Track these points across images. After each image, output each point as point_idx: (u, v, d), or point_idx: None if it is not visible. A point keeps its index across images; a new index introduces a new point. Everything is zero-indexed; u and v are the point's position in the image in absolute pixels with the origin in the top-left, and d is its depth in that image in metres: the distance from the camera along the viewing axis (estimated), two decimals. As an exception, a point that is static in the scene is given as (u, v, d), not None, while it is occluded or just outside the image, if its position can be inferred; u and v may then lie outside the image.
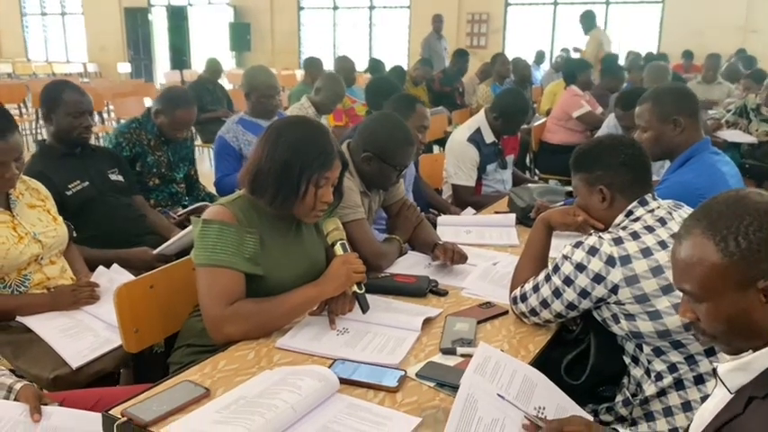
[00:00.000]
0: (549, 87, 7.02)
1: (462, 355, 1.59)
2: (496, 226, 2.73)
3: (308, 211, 1.78)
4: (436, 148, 6.23)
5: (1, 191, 2.02)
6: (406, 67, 7.95)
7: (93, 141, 2.83)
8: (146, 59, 16.31)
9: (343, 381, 1.43)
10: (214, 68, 7.16)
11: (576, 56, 9.55)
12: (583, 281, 1.60)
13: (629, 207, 1.69)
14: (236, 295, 1.66)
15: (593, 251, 1.59)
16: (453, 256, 2.21)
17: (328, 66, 7.43)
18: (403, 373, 1.49)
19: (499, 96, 3.69)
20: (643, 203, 1.68)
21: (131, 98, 7.77)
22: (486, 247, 2.49)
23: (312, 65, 6.41)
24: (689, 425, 1.22)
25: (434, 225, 2.66)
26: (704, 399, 1.25)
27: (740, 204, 1.04)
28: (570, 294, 1.63)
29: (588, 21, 8.88)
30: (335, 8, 14.53)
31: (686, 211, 1.71)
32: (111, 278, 2.17)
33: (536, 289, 1.73)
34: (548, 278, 1.70)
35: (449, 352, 1.61)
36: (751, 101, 5.09)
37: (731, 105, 5.59)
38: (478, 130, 3.46)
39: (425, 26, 9.93)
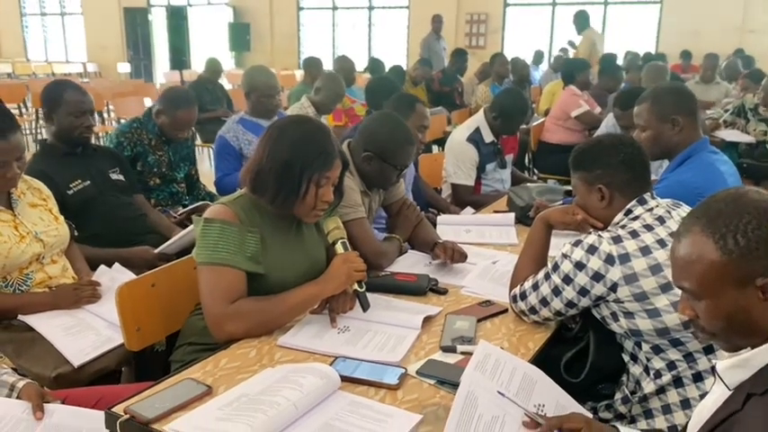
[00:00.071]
0: (547, 87, 7.03)
1: (462, 353, 1.60)
2: (496, 225, 2.74)
3: (309, 210, 1.78)
4: (435, 148, 6.24)
5: (3, 190, 2.03)
6: (405, 68, 7.95)
7: (93, 141, 2.84)
8: (145, 59, 16.30)
9: (344, 378, 1.44)
10: (214, 68, 7.16)
11: (571, 51, 9.58)
12: (582, 279, 1.61)
13: (629, 206, 1.70)
14: (237, 294, 1.67)
15: (592, 250, 1.60)
16: (453, 255, 2.22)
17: (328, 66, 7.44)
18: (403, 370, 1.50)
19: (498, 96, 3.70)
20: (642, 202, 1.69)
21: (131, 98, 7.78)
22: (486, 246, 2.50)
23: (312, 65, 6.42)
24: (687, 422, 1.23)
25: (434, 224, 2.67)
26: (703, 396, 1.25)
27: (739, 203, 1.05)
28: (569, 292, 1.64)
29: (581, 21, 8.90)
30: (335, 8, 14.53)
31: (685, 209, 1.72)
32: (113, 277, 2.18)
33: (535, 287, 1.74)
34: (547, 276, 1.71)
35: (449, 350, 1.62)
36: (749, 101, 5.11)
37: (729, 105, 5.61)
38: (478, 130, 3.47)
39: (424, 26, 9.93)
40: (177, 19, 15.90)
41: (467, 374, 1.34)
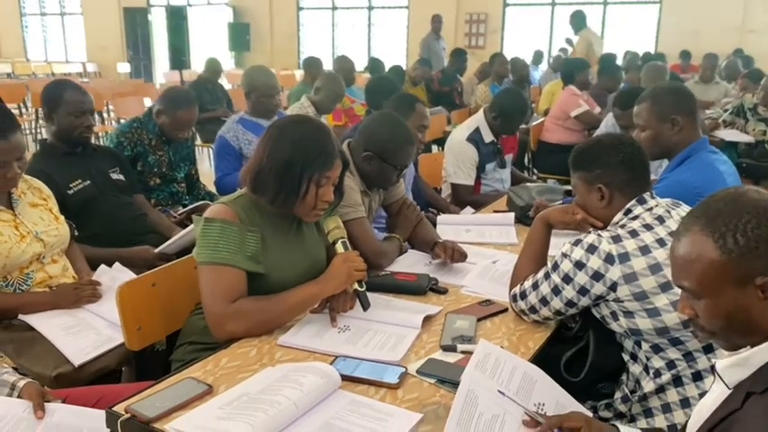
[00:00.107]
0: (547, 87, 7.04)
1: (462, 352, 1.60)
2: (495, 225, 2.74)
3: (309, 210, 1.79)
4: (435, 148, 6.24)
5: (3, 190, 2.03)
6: (404, 67, 7.96)
7: (93, 141, 2.84)
8: (145, 59, 16.30)
9: (344, 377, 1.44)
10: (214, 68, 7.16)
11: (569, 49, 9.59)
12: (582, 278, 1.62)
13: (628, 205, 1.70)
14: (237, 293, 1.67)
15: (592, 249, 1.61)
16: (453, 255, 2.22)
17: (327, 66, 7.44)
18: (404, 369, 1.50)
19: (498, 96, 3.70)
20: (642, 202, 1.70)
21: (131, 98, 7.78)
22: (486, 246, 2.50)
23: (312, 65, 6.42)
24: (687, 421, 1.23)
25: (434, 224, 2.67)
26: (702, 395, 1.26)
27: (738, 202, 1.05)
28: (569, 292, 1.65)
29: (578, 21, 8.92)
30: (334, 8, 14.53)
31: (684, 209, 1.72)
32: (113, 276, 2.18)
33: (535, 286, 1.74)
34: (547, 276, 1.71)
35: (449, 349, 1.62)
36: (748, 100, 5.11)
37: (728, 105, 5.61)
38: (477, 130, 3.47)
39: (424, 26, 9.94)
40: (177, 19, 15.90)
41: (467, 373, 1.34)
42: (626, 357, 1.70)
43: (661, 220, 1.65)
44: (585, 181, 1.76)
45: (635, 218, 1.68)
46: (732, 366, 1.07)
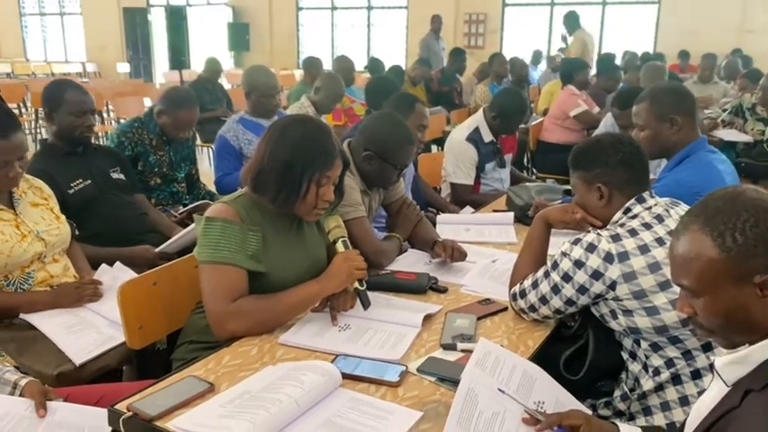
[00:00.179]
0: (546, 87, 7.04)
1: (462, 351, 1.61)
2: (495, 224, 2.75)
3: (310, 209, 1.79)
4: (434, 148, 6.25)
5: (4, 189, 2.04)
6: (404, 67, 7.96)
7: (94, 141, 2.84)
8: (144, 59, 16.29)
9: (345, 376, 1.45)
10: (214, 68, 7.15)
11: (563, 46, 9.61)
12: (581, 277, 1.62)
13: (627, 204, 1.71)
14: (239, 292, 1.68)
15: (591, 248, 1.61)
16: (453, 254, 2.23)
17: (327, 66, 7.44)
18: (404, 368, 1.51)
19: (497, 96, 3.71)
20: (641, 201, 1.71)
21: (131, 98, 7.79)
22: (485, 245, 2.51)
23: (312, 65, 6.42)
24: (686, 419, 1.24)
25: (433, 223, 2.68)
26: (701, 393, 1.26)
27: (737, 201, 1.06)
28: (569, 290, 1.65)
29: (572, 22, 8.95)
30: (334, 8, 14.53)
31: (683, 208, 1.73)
32: (114, 276, 2.19)
33: (535, 285, 1.75)
34: (546, 275, 1.72)
35: (449, 347, 1.63)
36: (747, 100, 5.12)
37: (727, 105, 5.62)
38: (477, 130, 3.48)
39: (423, 26, 9.94)
40: (176, 19, 15.89)
41: (467, 372, 1.35)
42: (625, 356, 1.70)
43: (660, 219, 1.66)
44: (585, 180, 1.77)
45: (634, 217, 1.68)
46: (731, 364, 1.07)
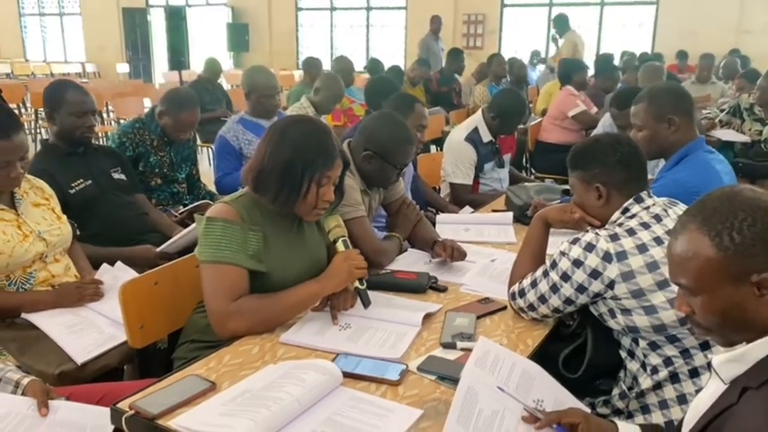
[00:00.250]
0: (544, 87, 7.05)
1: (462, 350, 1.61)
2: (494, 224, 2.76)
3: (310, 209, 1.80)
4: (433, 148, 6.26)
5: (6, 190, 2.04)
6: (403, 68, 7.96)
7: (95, 141, 2.85)
8: (144, 60, 16.27)
9: (346, 374, 1.46)
10: (213, 69, 7.15)
11: (554, 47, 9.65)
12: (580, 276, 1.63)
13: (625, 204, 1.72)
14: (239, 291, 1.69)
15: (589, 247, 1.62)
16: (453, 253, 2.24)
17: (326, 66, 7.45)
18: (404, 366, 1.51)
19: (496, 96, 3.72)
20: (639, 201, 1.72)
21: (131, 98, 7.79)
22: (485, 245, 2.52)
23: (311, 65, 6.43)
24: (684, 417, 1.24)
25: (433, 223, 2.69)
26: (699, 392, 1.27)
27: (734, 200, 1.07)
28: (567, 290, 1.66)
29: (561, 24, 8.98)
30: (333, 9, 14.53)
31: (681, 208, 1.74)
32: (115, 275, 2.19)
33: (534, 285, 1.76)
34: (545, 274, 1.73)
35: (449, 346, 1.64)
36: (744, 101, 5.13)
37: (725, 105, 5.63)
38: (476, 130, 3.49)
39: (422, 27, 9.94)
40: (176, 19, 15.88)
41: (467, 370, 1.36)
42: (623, 354, 1.71)
43: (658, 218, 1.67)
44: (583, 180, 1.78)
45: (632, 216, 1.69)
46: (728, 362, 1.08)
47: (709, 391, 1.15)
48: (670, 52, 9.84)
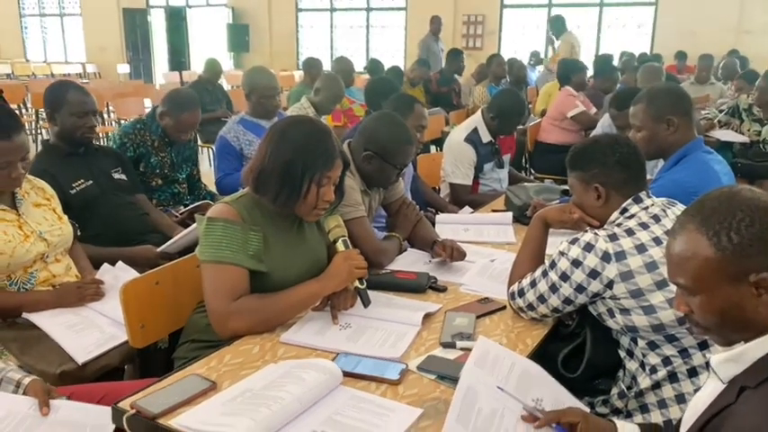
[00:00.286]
0: (543, 88, 7.06)
1: (462, 349, 1.62)
2: (494, 224, 2.77)
3: (310, 209, 1.81)
4: (433, 148, 6.26)
5: (7, 190, 2.05)
6: (403, 68, 7.97)
7: (95, 142, 2.85)
8: (144, 60, 16.27)
9: (346, 374, 1.46)
10: (213, 69, 7.15)
11: (551, 48, 9.67)
12: (579, 276, 1.64)
13: (624, 204, 1.73)
14: (240, 291, 1.69)
15: (588, 247, 1.63)
16: (452, 253, 2.24)
17: (326, 67, 7.45)
18: (404, 366, 1.52)
19: (496, 97, 3.73)
20: (638, 201, 1.72)
21: (131, 99, 7.79)
22: (484, 245, 2.53)
23: (312, 65, 6.43)
24: (682, 416, 1.25)
25: (433, 223, 2.69)
26: (697, 391, 1.27)
27: (732, 200, 1.07)
28: (567, 289, 1.67)
29: (558, 25, 8.99)
30: (333, 10, 14.54)
31: (680, 208, 1.75)
32: (116, 275, 2.20)
33: (533, 284, 1.76)
34: (545, 274, 1.74)
35: (449, 346, 1.64)
36: (743, 101, 5.13)
37: (724, 105, 5.63)
38: (475, 130, 3.49)
39: (422, 27, 9.95)
40: (176, 20, 15.88)
41: (466, 369, 1.36)
42: (622, 354, 1.72)
43: (657, 218, 1.67)
44: (582, 180, 1.79)
45: (631, 217, 1.70)
46: (726, 361, 1.09)
47: (708, 391, 1.15)
48: (669, 53, 9.85)
